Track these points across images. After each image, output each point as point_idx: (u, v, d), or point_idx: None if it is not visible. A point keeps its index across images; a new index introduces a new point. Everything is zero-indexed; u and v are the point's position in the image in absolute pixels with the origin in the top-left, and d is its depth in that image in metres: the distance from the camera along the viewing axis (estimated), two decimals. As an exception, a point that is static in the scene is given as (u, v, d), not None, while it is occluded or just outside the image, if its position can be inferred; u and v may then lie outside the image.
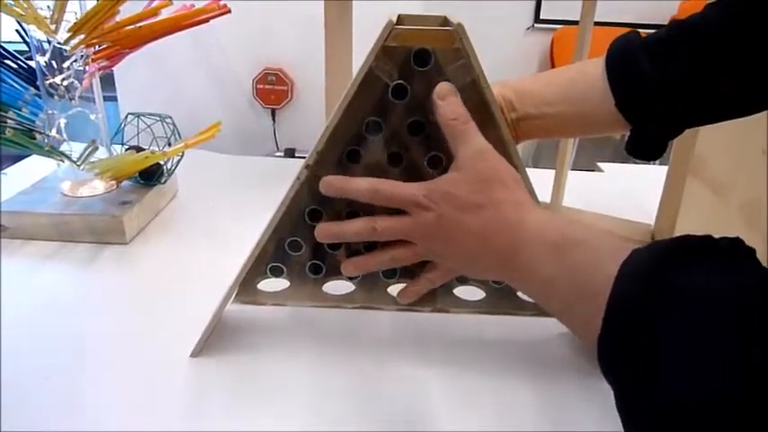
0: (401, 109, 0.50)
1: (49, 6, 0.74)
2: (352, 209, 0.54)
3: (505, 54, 2.62)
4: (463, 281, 0.59)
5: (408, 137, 0.52)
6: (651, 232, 0.85)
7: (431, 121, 0.51)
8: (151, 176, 0.87)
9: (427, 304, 0.60)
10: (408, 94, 0.49)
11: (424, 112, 0.50)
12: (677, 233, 0.76)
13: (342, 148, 0.52)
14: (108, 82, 1.73)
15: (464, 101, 0.49)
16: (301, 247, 0.56)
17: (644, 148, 0.52)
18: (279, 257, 0.57)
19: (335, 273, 0.58)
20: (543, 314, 0.59)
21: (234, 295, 0.57)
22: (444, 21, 0.51)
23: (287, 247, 0.56)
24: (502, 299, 0.59)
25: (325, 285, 0.59)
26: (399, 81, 0.49)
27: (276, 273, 0.58)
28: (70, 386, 0.53)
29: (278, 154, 1.84)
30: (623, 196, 1.00)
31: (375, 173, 0.53)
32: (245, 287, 0.57)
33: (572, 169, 0.97)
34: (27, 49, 0.79)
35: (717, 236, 0.34)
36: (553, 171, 0.91)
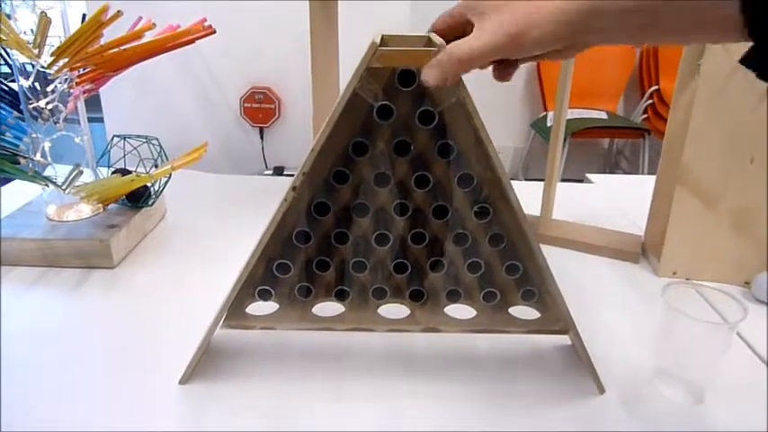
0: (387, 129, 0.50)
1: (32, 30, 0.74)
2: (340, 230, 0.54)
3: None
4: (454, 298, 0.58)
5: (395, 157, 0.51)
6: (641, 243, 0.85)
7: (417, 142, 0.51)
8: (138, 199, 0.86)
9: (418, 324, 0.59)
10: (393, 114, 0.49)
11: (410, 131, 0.50)
12: (667, 243, 0.76)
13: (328, 170, 0.52)
14: (94, 103, 1.72)
15: (450, 121, 0.49)
16: (290, 269, 0.56)
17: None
18: (267, 280, 0.56)
19: (325, 294, 0.57)
20: (534, 331, 0.59)
21: (222, 320, 0.56)
22: (428, 41, 0.51)
23: (275, 270, 0.55)
24: (493, 316, 0.59)
25: (314, 308, 0.58)
26: (384, 102, 0.48)
27: (265, 296, 0.57)
28: (56, 414, 0.52)
29: (267, 172, 1.83)
30: (613, 207, 1.00)
31: (362, 193, 0.52)
32: (234, 312, 0.57)
33: (561, 180, 0.97)
34: (10, 71, 0.79)
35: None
36: (542, 183, 0.91)
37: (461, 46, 0.42)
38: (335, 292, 0.57)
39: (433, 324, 0.58)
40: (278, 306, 0.57)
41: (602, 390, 0.56)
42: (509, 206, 0.51)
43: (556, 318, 0.57)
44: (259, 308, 0.57)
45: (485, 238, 0.54)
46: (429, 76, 0.44)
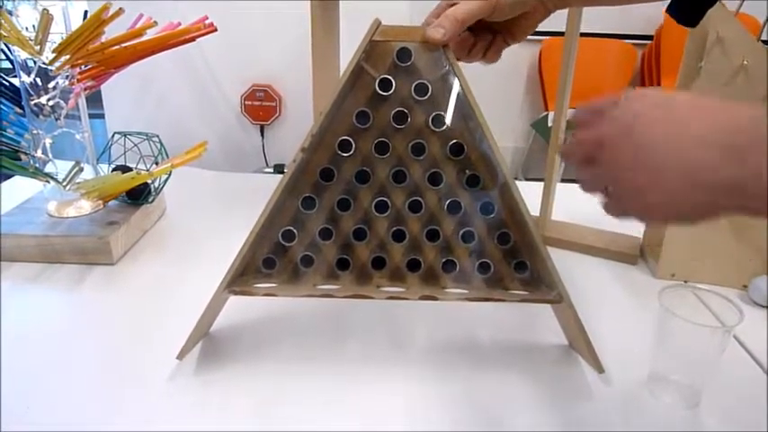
0: (387, 101, 0.54)
1: (34, 26, 0.74)
2: (343, 197, 0.56)
3: (493, 65, 2.63)
4: (450, 268, 0.59)
5: (393, 127, 0.54)
6: (640, 245, 0.85)
7: (413, 113, 0.54)
8: (138, 196, 0.86)
9: (416, 293, 0.59)
10: (393, 86, 0.53)
11: (407, 104, 0.54)
12: (666, 245, 0.76)
13: (334, 136, 0.54)
14: (95, 100, 1.72)
15: (442, 92, 0.53)
16: (294, 236, 0.56)
17: (685, 10, 0.51)
18: (272, 248, 0.57)
19: (326, 263, 0.58)
20: (529, 300, 0.58)
21: (226, 285, 0.56)
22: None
23: (280, 237, 0.56)
24: (489, 286, 0.59)
25: (315, 277, 0.58)
26: (385, 76, 0.53)
27: (269, 265, 0.57)
28: (55, 412, 0.52)
29: (267, 170, 1.82)
30: (612, 208, 1.00)
31: (363, 160, 0.55)
32: (238, 279, 0.57)
33: (561, 181, 0.97)
34: (12, 67, 0.79)
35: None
36: (542, 183, 0.91)
37: (459, 8, 0.53)
38: (337, 261, 0.57)
39: (429, 293, 0.58)
40: (280, 276, 0.58)
41: (600, 370, 0.58)
42: (497, 175, 0.55)
43: (549, 288, 0.57)
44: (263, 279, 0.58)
45: (476, 207, 0.56)
46: (433, 32, 0.52)
